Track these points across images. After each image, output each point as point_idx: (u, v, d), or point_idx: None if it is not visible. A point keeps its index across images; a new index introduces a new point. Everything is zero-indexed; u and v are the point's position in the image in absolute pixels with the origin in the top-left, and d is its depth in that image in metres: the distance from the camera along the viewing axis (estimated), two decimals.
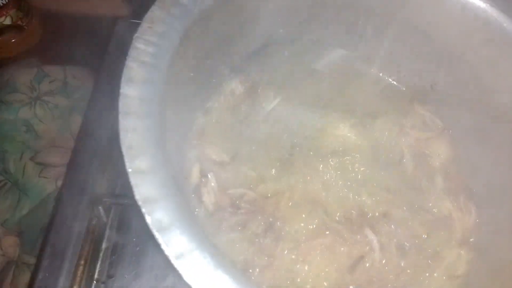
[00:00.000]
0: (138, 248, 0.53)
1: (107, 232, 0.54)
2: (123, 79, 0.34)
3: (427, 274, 0.45)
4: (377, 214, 0.47)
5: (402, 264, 0.45)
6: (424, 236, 0.47)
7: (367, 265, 0.45)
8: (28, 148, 0.67)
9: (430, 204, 0.48)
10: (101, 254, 0.52)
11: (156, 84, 0.35)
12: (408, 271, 0.45)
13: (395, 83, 0.55)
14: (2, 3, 0.72)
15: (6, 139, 0.67)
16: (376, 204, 0.47)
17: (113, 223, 0.55)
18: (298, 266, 0.43)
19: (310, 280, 0.43)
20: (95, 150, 0.57)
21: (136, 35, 0.36)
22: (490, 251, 0.45)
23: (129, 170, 0.30)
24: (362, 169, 0.49)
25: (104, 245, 0.53)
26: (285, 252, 0.44)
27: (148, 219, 0.28)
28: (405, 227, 0.46)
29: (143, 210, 0.28)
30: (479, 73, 0.48)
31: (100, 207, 0.52)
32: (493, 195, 0.47)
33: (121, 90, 0.33)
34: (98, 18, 0.79)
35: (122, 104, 0.32)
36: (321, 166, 0.49)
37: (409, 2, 0.47)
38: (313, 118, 0.50)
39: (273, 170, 0.49)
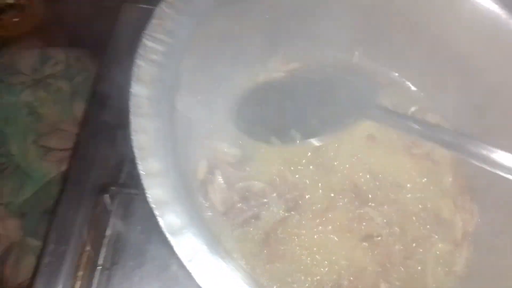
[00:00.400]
0: (142, 237, 0.54)
1: (112, 220, 0.55)
2: (133, 78, 0.34)
3: (427, 266, 0.46)
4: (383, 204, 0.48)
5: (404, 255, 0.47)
6: (426, 231, 0.48)
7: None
8: (31, 131, 0.67)
9: (434, 203, 0.49)
10: (105, 241, 0.53)
11: (166, 83, 0.35)
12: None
13: (404, 81, 0.55)
14: None
15: (8, 121, 0.67)
16: (382, 195, 0.48)
17: (117, 211, 0.55)
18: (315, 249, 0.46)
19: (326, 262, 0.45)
20: (99, 137, 0.57)
21: (145, 32, 0.36)
22: (489, 251, 0.47)
23: (142, 172, 0.30)
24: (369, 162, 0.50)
25: (108, 232, 0.54)
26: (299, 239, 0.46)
27: (161, 222, 0.29)
28: (408, 222, 0.48)
29: (156, 212, 0.29)
30: (486, 75, 0.48)
31: (105, 195, 0.53)
32: (495, 196, 0.48)
33: (132, 90, 0.33)
34: (102, 1, 0.78)
35: (133, 104, 0.32)
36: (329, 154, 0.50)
37: (420, 5, 0.47)
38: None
39: (279, 161, 0.49)
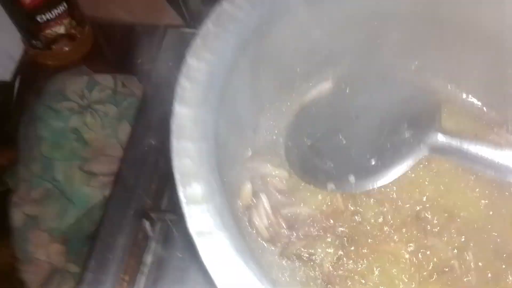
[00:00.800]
0: (182, 264, 0.52)
1: (152, 246, 0.53)
2: (176, 99, 0.32)
3: None
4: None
5: None
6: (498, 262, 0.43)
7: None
8: (77, 157, 0.67)
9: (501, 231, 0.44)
10: (145, 269, 0.51)
11: (210, 104, 0.33)
12: None
13: (470, 98, 0.51)
14: (57, 13, 0.73)
15: (56, 147, 0.67)
16: (445, 225, 0.44)
17: (158, 237, 0.54)
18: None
19: None
20: (142, 162, 0.57)
21: (189, 51, 0.34)
22: None
23: (183, 199, 0.28)
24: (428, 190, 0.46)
25: (148, 260, 0.52)
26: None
27: (203, 255, 0.26)
28: (478, 252, 0.43)
29: (197, 244, 0.26)
30: None
31: (146, 221, 0.52)
32: None
33: (174, 111, 0.31)
34: (149, 27, 0.79)
35: (176, 126, 0.31)
36: None
37: (484, 12, 0.43)
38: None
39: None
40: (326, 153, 0.46)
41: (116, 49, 0.85)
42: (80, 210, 0.64)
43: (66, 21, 0.76)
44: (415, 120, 0.44)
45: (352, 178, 0.43)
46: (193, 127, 0.31)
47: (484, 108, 0.51)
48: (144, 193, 0.54)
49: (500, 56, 0.46)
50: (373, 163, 0.43)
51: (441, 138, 0.42)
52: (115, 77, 0.76)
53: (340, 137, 0.46)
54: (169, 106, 0.61)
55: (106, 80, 0.74)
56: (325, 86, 0.51)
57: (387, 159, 0.43)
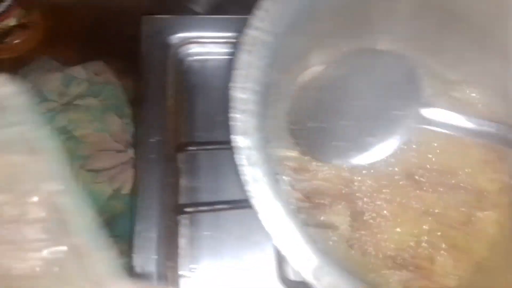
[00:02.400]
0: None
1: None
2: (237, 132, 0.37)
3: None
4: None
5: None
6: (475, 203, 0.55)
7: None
8: (75, 156, 0.68)
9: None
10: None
11: (265, 132, 0.39)
12: None
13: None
14: (8, 5, 0.70)
15: None
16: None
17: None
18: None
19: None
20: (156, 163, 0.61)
21: (231, 84, 0.39)
22: None
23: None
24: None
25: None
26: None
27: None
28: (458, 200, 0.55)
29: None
30: None
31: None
32: None
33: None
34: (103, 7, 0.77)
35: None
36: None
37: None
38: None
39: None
40: (330, 134, 0.53)
41: (72, 34, 0.82)
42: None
43: (16, 12, 0.73)
44: (401, 96, 0.52)
45: (355, 154, 0.52)
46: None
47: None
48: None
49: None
50: (370, 139, 0.52)
51: (426, 112, 0.51)
52: (86, 67, 0.75)
53: (340, 118, 0.54)
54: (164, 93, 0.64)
55: (79, 72, 0.73)
56: (317, 68, 0.57)
57: (382, 136, 0.52)
